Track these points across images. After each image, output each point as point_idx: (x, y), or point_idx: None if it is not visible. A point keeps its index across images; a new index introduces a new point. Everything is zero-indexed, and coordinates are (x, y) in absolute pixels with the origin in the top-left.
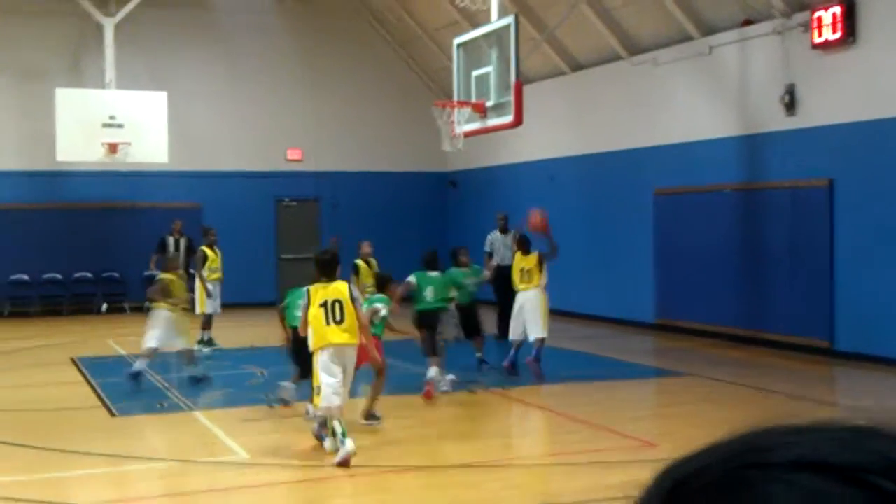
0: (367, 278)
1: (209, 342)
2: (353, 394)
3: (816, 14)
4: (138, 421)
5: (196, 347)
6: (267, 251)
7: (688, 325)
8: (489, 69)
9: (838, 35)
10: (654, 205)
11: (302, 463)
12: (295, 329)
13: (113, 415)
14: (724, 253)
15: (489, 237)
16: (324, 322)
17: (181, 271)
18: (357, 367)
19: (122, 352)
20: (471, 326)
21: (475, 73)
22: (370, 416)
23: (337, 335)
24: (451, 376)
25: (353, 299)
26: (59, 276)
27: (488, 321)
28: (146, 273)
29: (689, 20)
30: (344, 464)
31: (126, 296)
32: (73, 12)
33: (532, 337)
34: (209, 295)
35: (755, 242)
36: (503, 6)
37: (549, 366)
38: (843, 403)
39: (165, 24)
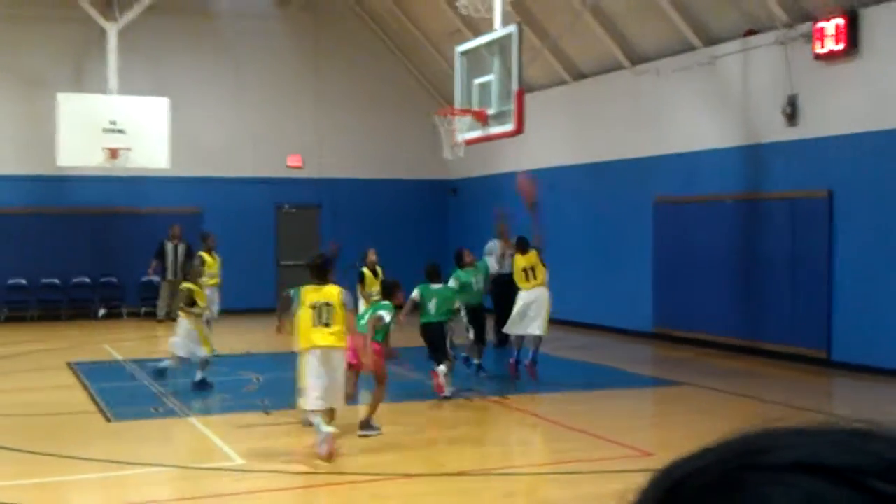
0: (373, 286)
1: None
2: (354, 401)
3: (819, 25)
4: (134, 426)
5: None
6: (267, 257)
7: (686, 335)
8: (491, 77)
9: (841, 46)
10: (654, 214)
11: (298, 469)
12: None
13: (109, 420)
14: (724, 262)
15: (489, 245)
16: (311, 324)
17: (204, 279)
18: (358, 372)
19: (119, 357)
20: (477, 328)
21: (477, 81)
22: (368, 426)
23: (323, 338)
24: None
25: (343, 304)
26: (57, 281)
27: (486, 329)
28: (144, 279)
29: (692, 30)
30: (328, 452)
31: (123, 301)
32: (76, 18)
33: (532, 332)
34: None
35: (754, 252)
36: (506, 14)
37: (547, 374)
38: (841, 414)
39: (168, 30)
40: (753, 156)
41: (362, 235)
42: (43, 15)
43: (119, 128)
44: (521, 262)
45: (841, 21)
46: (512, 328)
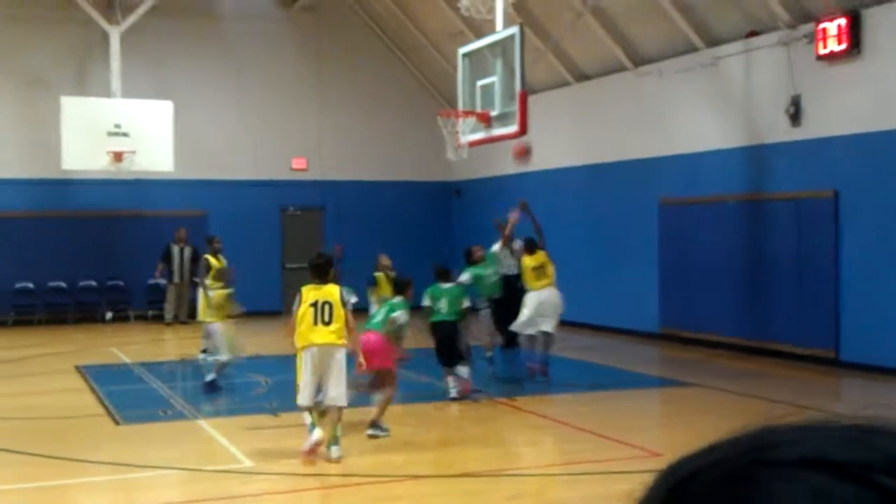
0: (386, 290)
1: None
2: (366, 401)
3: (821, 25)
4: (142, 429)
5: (200, 357)
6: (272, 260)
7: (693, 335)
8: (494, 79)
9: (843, 46)
10: (659, 215)
11: (306, 471)
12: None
13: (117, 423)
14: (729, 263)
15: (493, 248)
16: (311, 322)
17: (208, 281)
18: (368, 371)
19: (127, 360)
20: (503, 320)
21: (480, 82)
22: (376, 426)
23: (322, 335)
24: (455, 387)
25: (343, 302)
26: (63, 285)
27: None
28: (150, 282)
29: (695, 31)
30: (311, 453)
31: (130, 304)
32: (79, 21)
33: (544, 329)
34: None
35: (760, 253)
36: (508, 16)
37: (555, 375)
38: (849, 414)
39: (171, 32)
40: (758, 156)
41: (366, 237)
42: (45, 17)
43: (123, 131)
44: (529, 262)
45: (843, 21)
46: (524, 328)
